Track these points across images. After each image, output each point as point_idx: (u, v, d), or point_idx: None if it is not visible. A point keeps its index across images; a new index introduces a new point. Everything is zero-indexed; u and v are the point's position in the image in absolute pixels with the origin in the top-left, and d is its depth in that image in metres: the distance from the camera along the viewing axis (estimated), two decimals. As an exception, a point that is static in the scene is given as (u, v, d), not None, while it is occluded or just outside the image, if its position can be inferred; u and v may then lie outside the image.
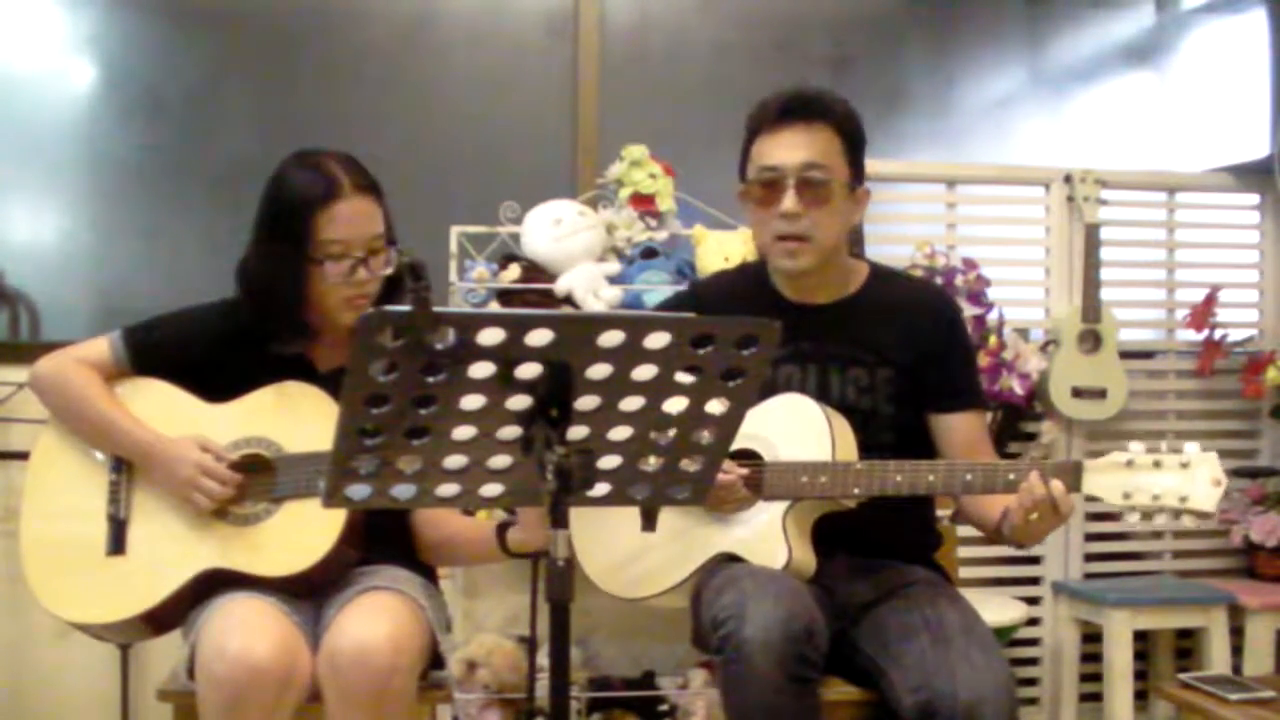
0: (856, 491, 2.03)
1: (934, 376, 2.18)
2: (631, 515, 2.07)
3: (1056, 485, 1.90)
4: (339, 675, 1.85)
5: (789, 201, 2.09)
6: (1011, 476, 1.95)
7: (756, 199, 2.15)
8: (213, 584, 2.00)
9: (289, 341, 2.14)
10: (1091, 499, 3.68)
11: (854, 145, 2.16)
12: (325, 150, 2.11)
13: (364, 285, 2.08)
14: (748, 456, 2.10)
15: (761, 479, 2.07)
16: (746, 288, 2.29)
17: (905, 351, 2.17)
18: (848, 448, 2.09)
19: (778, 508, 2.07)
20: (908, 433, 2.19)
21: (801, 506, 2.08)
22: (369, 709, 1.84)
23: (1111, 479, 1.91)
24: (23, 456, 2.17)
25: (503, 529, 2.10)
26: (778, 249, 2.14)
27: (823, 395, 2.16)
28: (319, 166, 2.07)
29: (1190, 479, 1.87)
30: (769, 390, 2.14)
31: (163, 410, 2.10)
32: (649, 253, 3.14)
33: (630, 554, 2.19)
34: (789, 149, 2.11)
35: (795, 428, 2.09)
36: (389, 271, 2.11)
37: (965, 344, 2.27)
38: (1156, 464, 1.89)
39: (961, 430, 2.20)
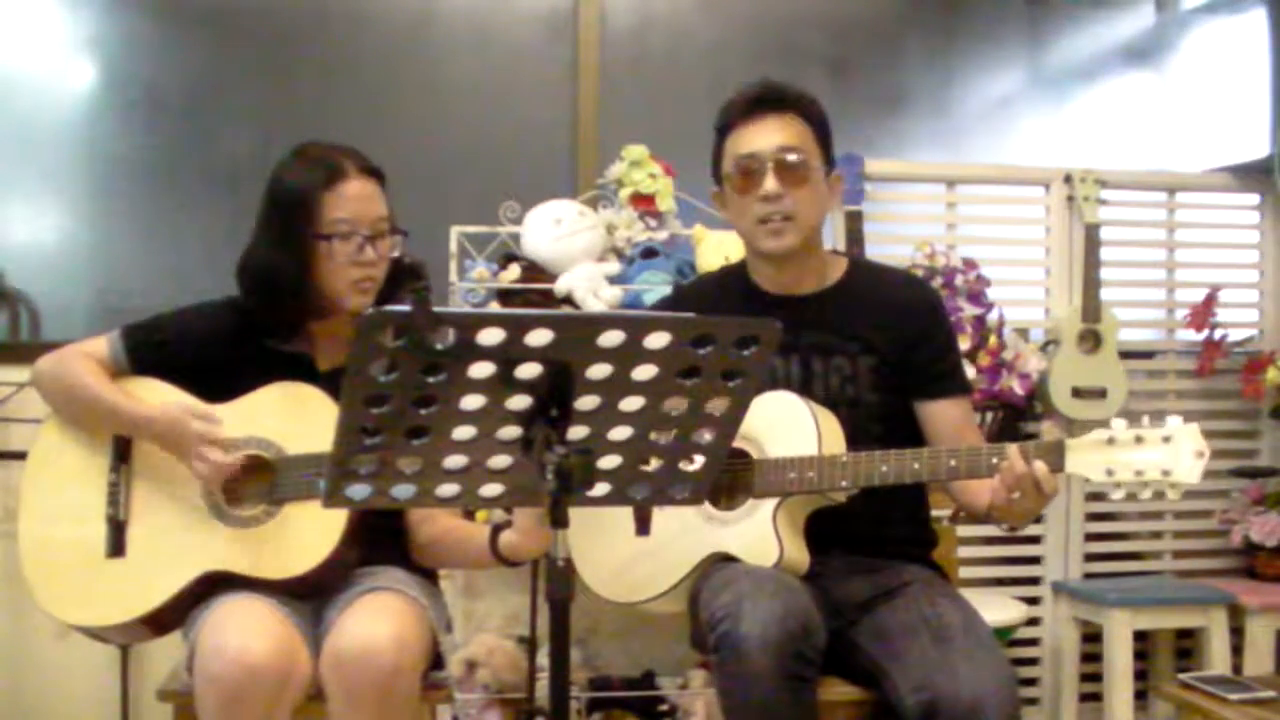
0: (844, 484, 2.03)
1: (917, 363, 2.19)
2: (625, 521, 2.07)
3: (1039, 466, 1.89)
4: (343, 675, 1.85)
5: (770, 183, 2.11)
6: (995, 460, 1.95)
7: (736, 187, 2.16)
8: (213, 585, 1.99)
9: (289, 336, 2.14)
10: (1092, 497, 3.68)
11: (823, 132, 2.19)
12: (325, 142, 2.13)
13: (372, 267, 2.09)
14: (737, 457, 2.10)
15: (751, 478, 2.08)
16: (726, 285, 2.32)
17: (887, 339, 2.18)
18: (835, 442, 2.09)
19: (768, 505, 2.08)
20: (895, 422, 2.19)
21: (792, 502, 2.08)
22: (374, 709, 1.84)
23: (1094, 457, 1.90)
24: (23, 456, 2.16)
25: (496, 531, 2.03)
26: (761, 231, 2.16)
27: (806, 385, 2.17)
28: (322, 154, 2.10)
29: (1173, 452, 1.85)
30: None
31: (162, 410, 2.09)
32: (649, 253, 3.14)
33: (626, 559, 2.19)
34: (764, 136, 2.14)
35: (782, 426, 2.10)
36: (396, 254, 2.12)
37: (947, 330, 2.27)
38: (1138, 439, 1.88)
39: (947, 416, 2.20)
